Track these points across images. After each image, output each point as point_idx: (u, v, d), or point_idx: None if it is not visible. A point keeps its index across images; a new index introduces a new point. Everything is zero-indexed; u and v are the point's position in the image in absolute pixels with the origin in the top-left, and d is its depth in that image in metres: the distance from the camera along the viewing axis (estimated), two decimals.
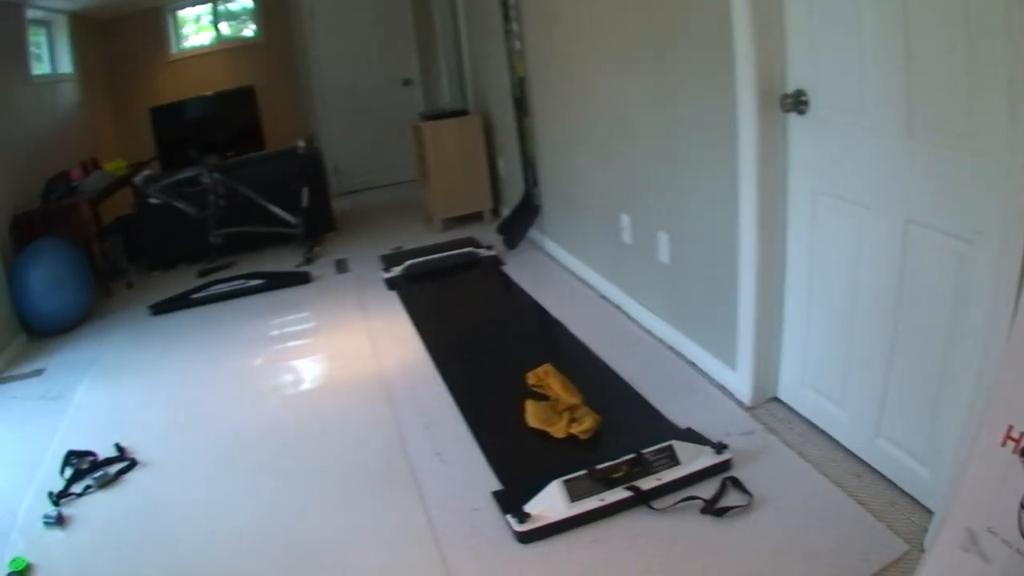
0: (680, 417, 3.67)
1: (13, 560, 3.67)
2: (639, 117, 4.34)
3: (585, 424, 3.64)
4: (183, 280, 7.67)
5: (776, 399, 3.67)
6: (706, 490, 3.12)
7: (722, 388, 3.86)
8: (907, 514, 2.87)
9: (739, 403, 3.71)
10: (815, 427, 3.42)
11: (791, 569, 2.70)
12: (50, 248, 6.67)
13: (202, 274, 7.71)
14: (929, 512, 2.82)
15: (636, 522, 3.07)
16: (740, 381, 3.73)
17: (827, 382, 3.33)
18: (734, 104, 3.35)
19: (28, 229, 6.97)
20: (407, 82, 10.38)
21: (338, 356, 5.37)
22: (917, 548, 2.69)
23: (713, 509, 3.02)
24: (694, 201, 3.89)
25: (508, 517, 3.13)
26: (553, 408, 3.87)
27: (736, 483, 3.13)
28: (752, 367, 3.63)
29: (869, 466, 3.11)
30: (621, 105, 4.56)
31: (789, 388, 3.60)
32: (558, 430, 3.69)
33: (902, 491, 2.97)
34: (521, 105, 6.32)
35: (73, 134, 9.01)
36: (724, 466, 3.24)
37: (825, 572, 2.66)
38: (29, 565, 3.65)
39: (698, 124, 3.76)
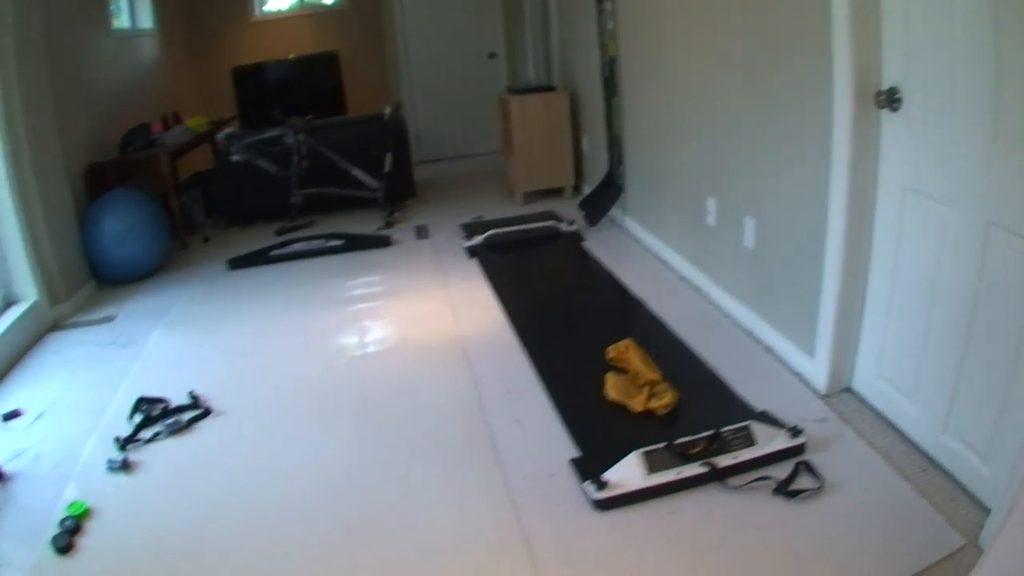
0: (755, 400, 3.69)
1: (72, 504, 3.68)
2: (732, 104, 4.35)
3: (664, 399, 3.68)
4: (260, 237, 7.77)
5: (849, 389, 3.68)
6: (779, 472, 3.15)
7: (798, 375, 3.88)
8: (966, 510, 2.89)
9: (814, 391, 3.73)
10: (885, 419, 3.44)
11: (853, 553, 2.72)
12: (125, 198, 6.76)
13: (280, 232, 7.81)
14: (987, 510, 2.83)
15: (710, 498, 3.11)
16: (817, 369, 3.74)
17: (900, 376, 3.34)
18: (830, 97, 3.35)
19: (102, 179, 7.06)
20: (492, 56, 10.45)
21: (418, 319, 5.42)
22: (973, 544, 2.71)
23: (785, 490, 3.05)
24: (784, 189, 3.90)
25: (586, 484, 3.18)
26: (633, 382, 3.91)
27: (808, 467, 3.16)
28: (830, 356, 3.64)
29: (933, 461, 3.13)
30: (714, 91, 4.57)
31: (863, 379, 3.61)
32: (637, 404, 3.73)
33: (963, 487, 2.99)
34: (610, 85, 6.33)
35: (153, 89, 9.15)
36: (798, 450, 3.26)
37: (885, 559, 2.69)
38: (88, 509, 3.67)
39: (792, 113, 3.77)
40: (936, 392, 3.11)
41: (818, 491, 3.03)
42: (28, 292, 5.90)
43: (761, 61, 4.00)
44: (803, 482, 3.09)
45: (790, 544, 2.81)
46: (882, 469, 3.14)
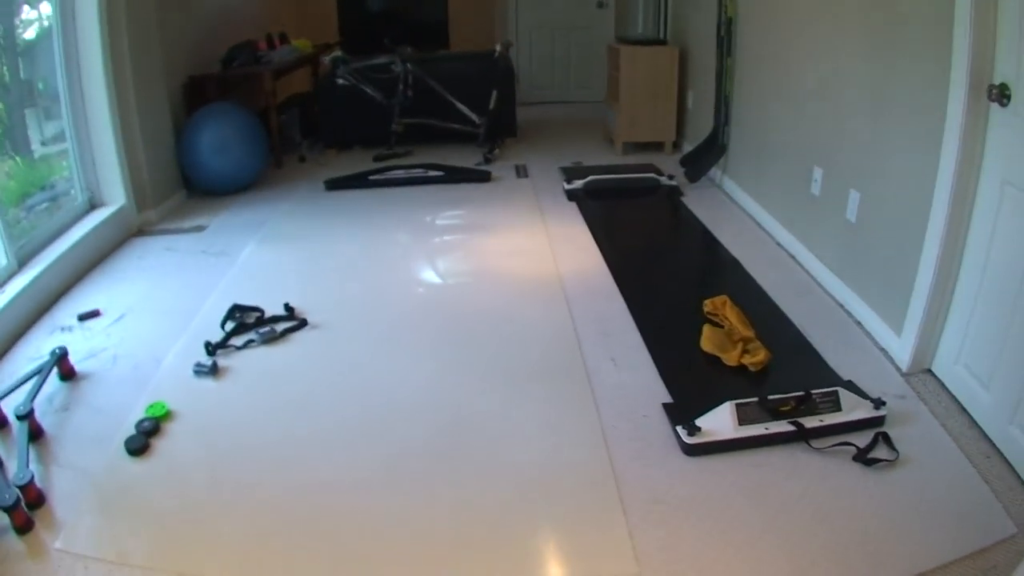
0: (841, 370, 3.76)
1: (152, 405, 3.76)
2: (848, 78, 4.38)
3: (758, 357, 3.78)
4: (357, 162, 7.91)
5: (929, 371, 3.74)
6: (859, 440, 3.22)
7: (884, 351, 3.93)
8: (1023, 500, 2.95)
9: (897, 367, 3.78)
10: (959, 404, 3.49)
11: (917, 525, 2.80)
12: (226, 111, 6.88)
13: (378, 159, 7.96)
14: None
15: (793, 456, 3.20)
16: (902, 347, 3.80)
17: (979, 363, 3.40)
18: (945, 84, 3.39)
19: (202, 92, 7.21)
20: (600, 4, 10.47)
21: (516, 253, 5.52)
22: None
23: (864, 458, 3.13)
24: (892, 167, 3.94)
25: (678, 428, 3.30)
26: (728, 337, 4.01)
27: (887, 439, 3.23)
28: (916, 336, 3.69)
29: (998, 449, 3.19)
30: (832, 64, 4.60)
31: (944, 363, 3.67)
32: (731, 358, 3.83)
33: (1022, 479, 3.05)
34: (725, 44, 6.35)
35: (257, 8, 9.30)
36: (879, 421, 3.34)
37: (944, 535, 2.75)
38: (170, 412, 3.75)
39: (906, 95, 3.80)
40: (1009, 383, 3.17)
41: (893, 463, 3.11)
42: (115, 196, 6.05)
43: (881, 44, 4.02)
44: (880, 452, 3.17)
45: (862, 509, 2.89)
46: (951, 451, 3.20)
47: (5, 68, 5.36)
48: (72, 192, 5.93)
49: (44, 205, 5.63)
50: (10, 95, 5.45)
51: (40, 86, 5.81)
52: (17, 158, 5.46)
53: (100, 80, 5.77)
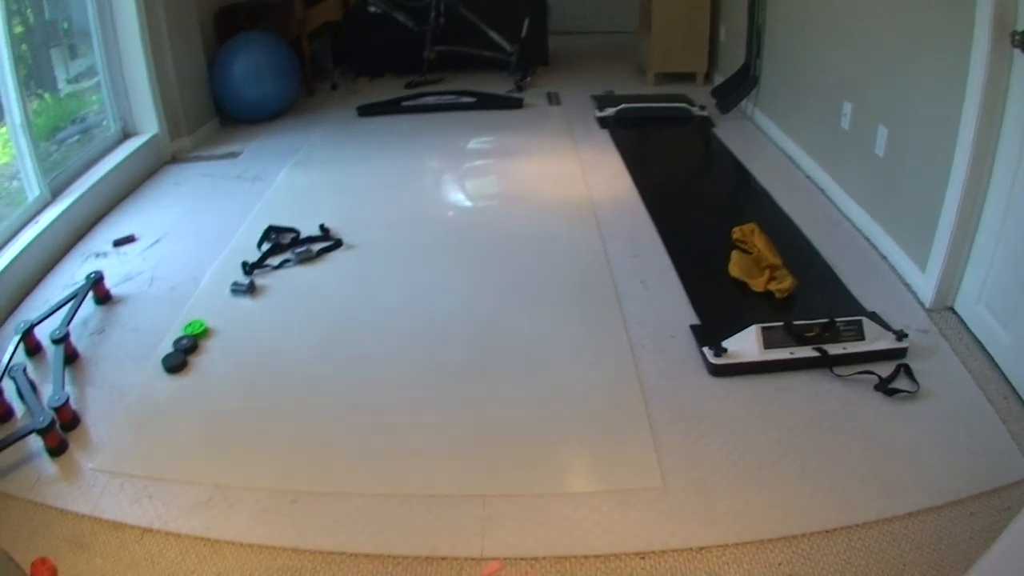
0: (866, 302, 3.81)
1: (191, 324, 3.84)
2: (879, 13, 4.36)
3: (784, 283, 3.83)
4: (389, 89, 7.93)
5: (951, 309, 3.76)
6: (881, 370, 3.27)
7: (908, 286, 3.96)
8: None
9: (920, 303, 3.81)
10: (979, 343, 3.51)
11: (934, 459, 2.85)
12: (258, 39, 6.91)
13: (410, 86, 7.98)
14: None
15: (816, 381, 3.27)
16: (926, 283, 3.83)
17: (1000, 303, 3.42)
18: (971, 27, 3.38)
19: (233, 21, 7.25)
20: None
21: (549, 177, 5.58)
22: None
23: (885, 388, 3.18)
24: (919, 104, 3.94)
25: (705, 349, 3.38)
26: (756, 263, 4.07)
27: (908, 371, 3.27)
28: (940, 272, 3.72)
29: (1016, 391, 3.20)
30: None
31: (965, 301, 3.69)
32: (758, 284, 3.90)
33: None
34: None
35: None
36: (901, 353, 3.38)
37: (959, 471, 2.79)
38: (208, 329, 3.84)
39: (934, 35, 3.80)
40: None
41: (913, 395, 3.16)
42: (149, 125, 6.11)
43: None
44: (901, 383, 3.21)
45: (881, 437, 2.95)
46: (970, 388, 3.23)
47: (30, 10, 5.40)
48: (105, 123, 6.00)
49: (75, 138, 5.69)
50: (35, 36, 5.49)
51: (64, 26, 5.85)
52: (45, 95, 5.51)
53: (132, 11, 5.81)
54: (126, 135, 6.09)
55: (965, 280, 3.68)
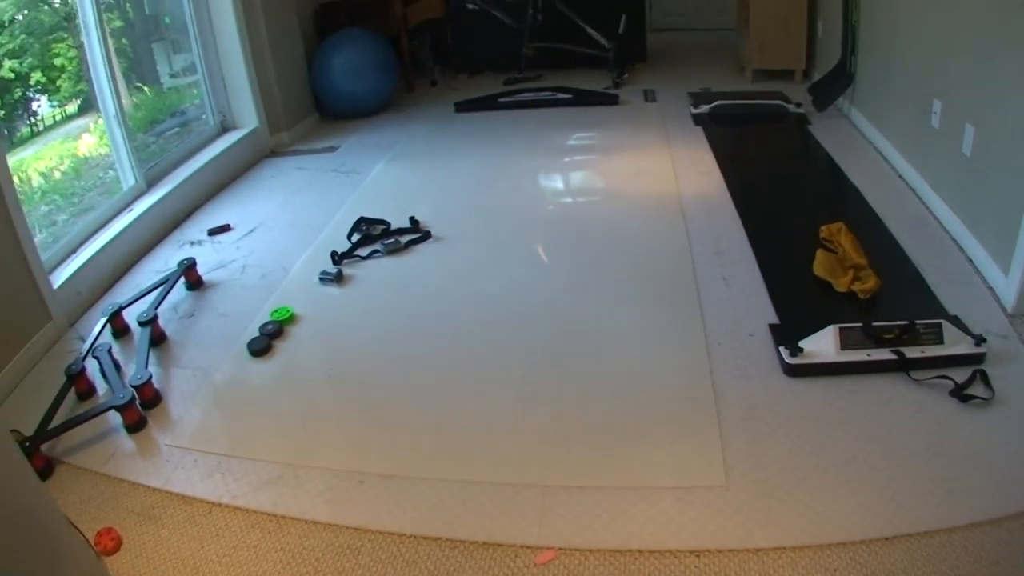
0: (947, 304, 3.74)
1: (278, 310, 3.95)
2: (969, 10, 4.28)
3: (868, 284, 3.78)
4: (487, 86, 8.01)
5: None
6: (957, 375, 3.20)
7: (991, 289, 3.87)
8: None
9: (1002, 307, 3.72)
10: None
11: (1001, 470, 2.77)
12: (358, 36, 7.01)
13: (508, 83, 8.05)
14: None
15: (891, 385, 3.22)
16: (1008, 287, 3.73)
17: None
18: None
19: (333, 17, 7.34)
20: None
21: (640, 173, 5.58)
22: None
23: (960, 394, 3.11)
24: (1010, 104, 3.83)
25: (781, 348, 3.36)
26: (840, 262, 4.02)
27: (984, 377, 3.21)
28: (1022, 277, 3.63)
29: None
30: None
31: None
32: (841, 284, 3.85)
33: None
34: None
35: None
36: (979, 358, 3.30)
37: None
38: (294, 315, 3.94)
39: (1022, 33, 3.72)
40: None
41: (988, 401, 3.09)
42: (248, 119, 6.29)
43: None
44: (977, 390, 3.14)
45: (952, 446, 2.89)
46: None
47: (129, 5, 5.57)
48: (203, 117, 6.17)
49: (174, 130, 5.88)
50: (135, 30, 5.66)
51: (167, 20, 6.04)
52: (145, 88, 5.69)
53: (228, 8, 5.97)
54: (225, 129, 6.27)
55: None
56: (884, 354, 3.30)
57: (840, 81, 6.40)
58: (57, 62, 4.79)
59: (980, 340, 3.32)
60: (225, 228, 5.08)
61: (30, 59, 4.59)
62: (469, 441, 3.09)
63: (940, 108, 4.58)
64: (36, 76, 4.67)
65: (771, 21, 7.43)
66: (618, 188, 5.40)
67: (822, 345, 3.34)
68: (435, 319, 3.93)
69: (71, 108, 4.97)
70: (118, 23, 5.39)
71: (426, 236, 4.69)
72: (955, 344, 3.33)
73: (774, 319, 3.71)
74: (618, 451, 3.00)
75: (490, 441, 3.09)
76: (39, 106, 4.77)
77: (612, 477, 2.87)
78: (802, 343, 3.34)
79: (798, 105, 6.65)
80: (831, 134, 6.14)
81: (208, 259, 4.64)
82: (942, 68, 4.59)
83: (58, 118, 4.89)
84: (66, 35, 4.77)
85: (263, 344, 3.71)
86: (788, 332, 3.49)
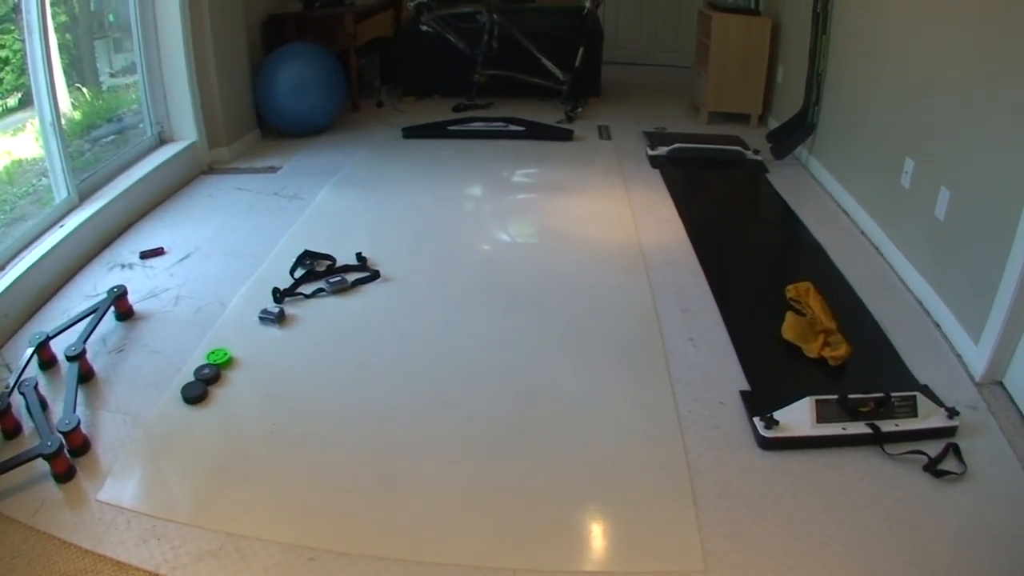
0: (915, 371, 3.67)
1: (215, 351, 3.72)
2: (950, 68, 4.20)
3: (839, 351, 3.68)
4: (435, 110, 7.90)
5: (1000, 383, 3.62)
6: (930, 448, 3.14)
7: (959, 356, 3.81)
8: None
9: (970, 376, 3.67)
10: None
11: (977, 549, 2.71)
12: (305, 51, 6.85)
13: (457, 109, 7.93)
14: None
15: (866, 460, 3.12)
16: (978, 356, 3.67)
17: None
18: None
19: (281, 31, 7.21)
20: None
21: (599, 217, 5.46)
22: None
23: (933, 469, 3.05)
24: (987, 169, 3.77)
25: (756, 420, 3.23)
26: (810, 326, 3.92)
27: (956, 451, 3.15)
28: (994, 346, 3.57)
29: None
30: (931, 48, 4.43)
31: (1016, 377, 3.54)
32: (812, 349, 3.74)
33: None
34: (821, 21, 6.18)
35: None
36: (950, 431, 3.24)
37: (1003, 563, 2.68)
38: (232, 359, 3.71)
39: (1007, 100, 3.63)
40: None
41: (960, 476, 3.03)
42: (187, 132, 6.04)
43: (988, 34, 3.86)
44: (950, 464, 3.09)
45: (928, 523, 2.81)
46: (1016, 471, 3.10)
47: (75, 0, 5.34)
48: (141, 126, 5.94)
49: (110, 138, 5.66)
50: (79, 25, 5.45)
51: (111, 18, 5.84)
52: (84, 89, 5.48)
53: (175, 13, 5.75)
54: (163, 140, 6.05)
55: (1017, 354, 3.54)
56: (859, 427, 3.21)
57: (801, 130, 6.37)
58: (1, 53, 4.59)
59: (953, 413, 3.27)
60: (158, 251, 4.83)
61: None
62: (427, 514, 2.89)
63: (912, 167, 4.51)
64: None
65: (730, 63, 7.45)
66: (577, 232, 5.25)
67: (797, 417, 3.23)
68: (384, 371, 3.72)
69: (12, 101, 4.76)
70: (64, 18, 5.17)
71: (374, 276, 4.49)
72: (928, 417, 3.26)
73: (744, 384, 3.58)
74: (589, 530, 2.86)
75: (450, 514, 2.89)
76: None
77: (584, 561, 2.72)
78: (777, 415, 3.22)
79: (756, 152, 6.60)
80: (790, 184, 6.09)
81: (140, 286, 4.40)
82: (916, 125, 4.53)
83: None
84: (12, 27, 4.54)
85: (198, 391, 3.47)
86: (760, 401, 3.37)
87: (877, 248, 4.95)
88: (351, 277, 4.45)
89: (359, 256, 4.65)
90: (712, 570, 2.62)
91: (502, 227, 5.50)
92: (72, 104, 5.35)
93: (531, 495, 2.97)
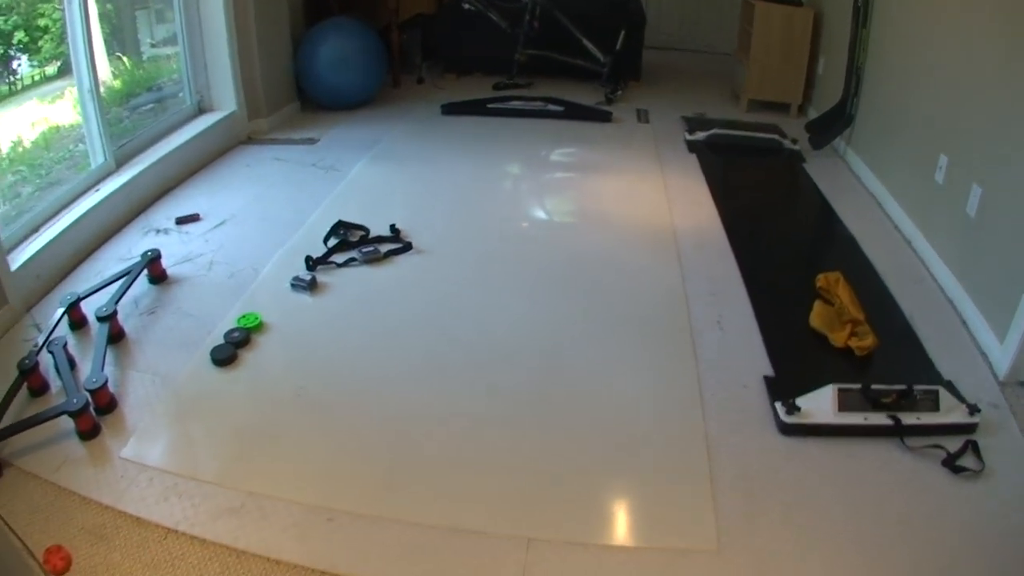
0: (939, 366, 3.66)
1: (246, 315, 3.76)
2: (986, 69, 4.19)
3: (865, 341, 3.67)
4: (475, 88, 7.89)
5: (1022, 384, 3.59)
6: (949, 444, 3.12)
7: (984, 355, 3.79)
8: None
9: (994, 374, 3.64)
10: None
11: (991, 547, 2.70)
12: (347, 25, 6.87)
13: (497, 87, 7.92)
14: None
15: (886, 451, 3.12)
16: (1003, 355, 3.65)
17: None
18: None
19: (323, 5, 7.24)
20: None
21: (633, 198, 5.47)
22: None
23: (952, 464, 3.04)
24: (1020, 169, 3.75)
25: (777, 405, 3.24)
26: (838, 316, 3.91)
27: (976, 448, 3.13)
28: (1018, 346, 3.54)
29: None
30: (969, 47, 4.40)
31: None
32: (838, 339, 3.74)
33: None
34: (862, 14, 6.13)
35: None
36: (971, 428, 3.23)
37: (1013, 561, 2.67)
38: (263, 323, 3.75)
39: None
40: None
41: (978, 474, 3.02)
42: (226, 102, 6.07)
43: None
44: (968, 461, 3.07)
45: (944, 519, 2.81)
46: None
47: None
48: (180, 95, 5.99)
49: (149, 106, 5.69)
50: None
51: None
52: (124, 58, 5.50)
53: None
54: (201, 110, 6.09)
55: None
56: (880, 418, 3.20)
57: (840, 122, 6.32)
58: (41, 22, 4.60)
59: (974, 409, 3.25)
60: (194, 218, 4.88)
61: (15, 17, 4.41)
62: (446, 480, 2.93)
63: (946, 163, 4.49)
64: (19, 36, 4.49)
65: (772, 53, 7.38)
66: (610, 212, 5.25)
67: (820, 405, 3.22)
68: (413, 341, 3.76)
69: (50, 69, 4.78)
70: None
71: (407, 247, 4.52)
72: (950, 412, 3.24)
73: (769, 370, 3.58)
74: (606, 505, 2.89)
75: (469, 481, 2.92)
76: (19, 65, 4.59)
77: (599, 534, 2.74)
78: (799, 401, 3.22)
79: (794, 142, 6.56)
80: (826, 175, 6.05)
81: (174, 251, 4.45)
82: (952, 122, 4.50)
83: (36, 79, 4.71)
84: None
85: (227, 353, 3.51)
86: (783, 386, 3.38)
87: (909, 242, 4.92)
88: (383, 248, 4.48)
89: (392, 228, 4.67)
90: (725, 550, 2.64)
91: (536, 204, 5.52)
92: (112, 73, 5.39)
93: (549, 466, 3.00)
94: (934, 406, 3.25)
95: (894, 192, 5.35)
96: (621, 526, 2.81)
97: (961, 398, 3.33)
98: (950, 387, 3.41)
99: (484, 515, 2.77)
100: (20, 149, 4.49)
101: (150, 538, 2.64)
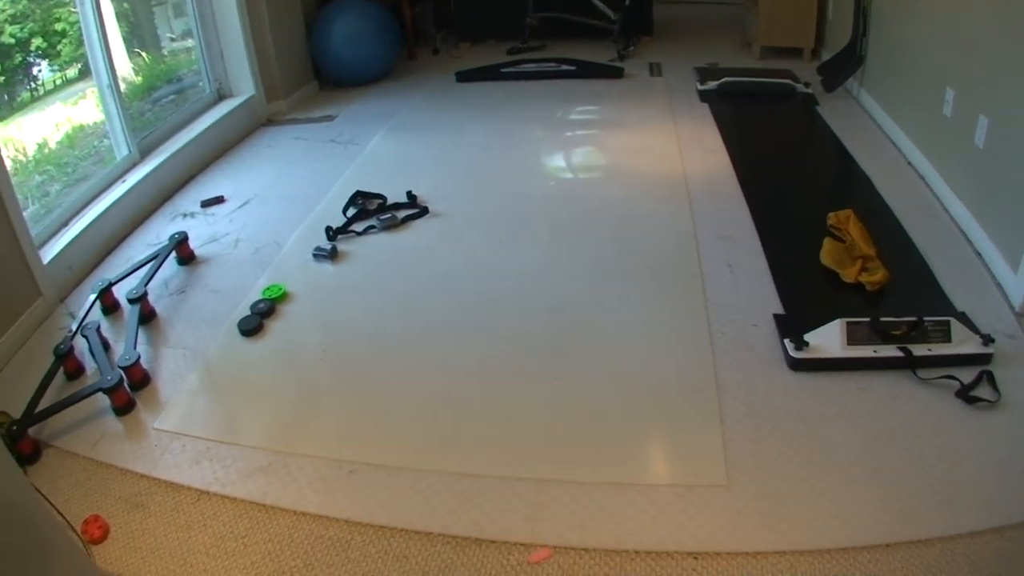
0: (954, 299, 3.66)
1: (270, 287, 3.88)
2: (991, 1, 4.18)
3: (876, 276, 3.70)
4: (490, 55, 7.95)
5: None
6: (963, 375, 3.13)
7: (999, 285, 3.79)
8: None
9: (1010, 305, 3.64)
10: None
11: (1005, 477, 2.71)
12: (359, 3, 6.91)
13: (511, 52, 7.98)
14: None
15: (897, 383, 3.14)
16: (1018, 284, 3.65)
17: None
18: None
19: None
20: None
21: (644, 151, 5.50)
22: None
23: (966, 395, 3.05)
24: (1021, 96, 3.76)
25: (786, 341, 3.29)
26: (848, 252, 3.95)
27: (991, 378, 3.14)
28: None
29: None
30: None
31: None
32: (849, 274, 3.77)
33: None
34: None
35: None
36: (985, 359, 3.23)
37: None
38: (287, 293, 3.87)
39: None
40: None
41: (993, 404, 3.02)
42: (244, 87, 6.19)
43: None
44: (983, 392, 3.08)
45: (956, 450, 2.82)
46: None
47: None
48: (200, 84, 6.09)
49: (170, 98, 5.80)
50: None
51: None
52: (144, 54, 5.60)
53: None
54: (221, 96, 6.19)
55: None
56: (891, 351, 3.23)
57: (850, 63, 6.31)
58: (58, 27, 4.69)
59: (988, 340, 3.25)
60: (219, 200, 5.01)
61: (31, 24, 4.49)
62: (461, 430, 3.04)
63: (953, 97, 4.49)
64: (36, 42, 4.58)
65: None
66: (622, 165, 5.32)
67: (828, 339, 3.27)
68: (430, 301, 3.86)
69: (71, 72, 4.88)
70: None
71: (423, 212, 4.62)
72: (963, 343, 3.25)
73: (779, 308, 3.63)
74: (616, 444, 2.94)
75: (483, 430, 3.03)
76: (39, 71, 4.68)
77: (609, 472, 2.81)
78: (807, 336, 3.27)
79: (807, 85, 6.55)
80: (839, 116, 6.04)
81: (201, 232, 4.58)
82: (956, 56, 4.50)
83: (58, 83, 4.80)
84: (68, 0, 4.66)
85: (254, 324, 3.64)
86: (793, 324, 3.43)
87: (923, 178, 4.93)
88: (401, 214, 4.58)
89: (409, 194, 4.76)
90: (735, 484, 2.71)
91: (551, 162, 5.58)
92: (133, 69, 5.49)
93: (561, 410, 3.10)
94: (946, 337, 3.26)
95: (906, 129, 5.36)
96: (631, 465, 2.87)
97: (975, 329, 3.33)
98: (964, 319, 3.42)
99: (497, 460, 2.87)
100: (46, 151, 4.60)
101: (183, 501, 2.77)
